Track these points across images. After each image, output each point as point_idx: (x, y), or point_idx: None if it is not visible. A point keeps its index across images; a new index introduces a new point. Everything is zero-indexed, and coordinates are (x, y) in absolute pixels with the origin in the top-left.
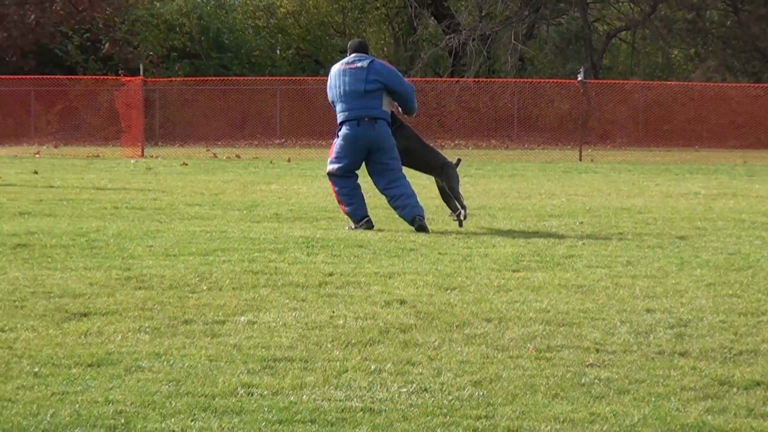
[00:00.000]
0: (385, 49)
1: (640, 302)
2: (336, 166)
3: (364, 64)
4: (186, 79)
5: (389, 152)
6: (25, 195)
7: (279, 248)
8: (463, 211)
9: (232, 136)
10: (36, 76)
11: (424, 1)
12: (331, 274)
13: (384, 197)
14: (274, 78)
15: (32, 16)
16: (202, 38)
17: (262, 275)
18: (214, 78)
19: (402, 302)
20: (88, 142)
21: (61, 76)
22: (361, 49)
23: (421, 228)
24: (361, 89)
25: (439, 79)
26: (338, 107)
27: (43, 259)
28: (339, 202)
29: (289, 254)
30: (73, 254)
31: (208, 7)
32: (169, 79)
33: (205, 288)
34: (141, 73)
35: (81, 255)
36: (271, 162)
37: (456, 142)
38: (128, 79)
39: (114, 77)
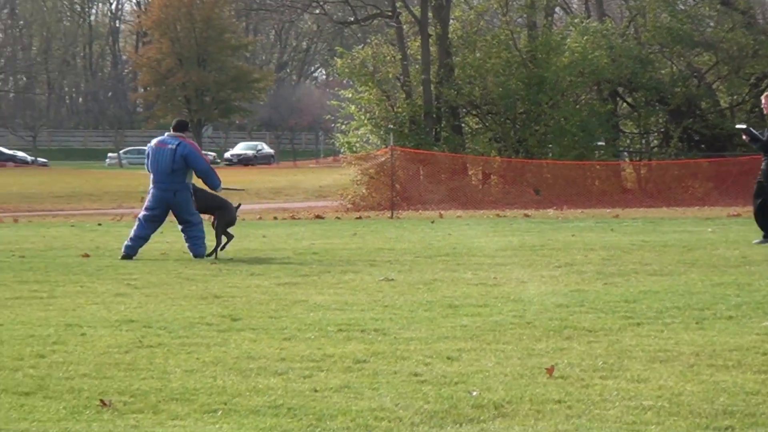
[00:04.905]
0: None
1: None
2: (147, 213)
3: (173, 145)
4: None
5: (188, 210)
6: None
7: None
8: (219, 246)
9: None
10: None
11: None
12: None
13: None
14: None
15: None
16: None
17: None
18: None
19: None
20: None
21: None
22: (179, 128)
23: (199, 256)
24: (168, 168)
25: None
26: (152, 177)
27: None
28: (131, 237)
29: None
30: None
31: None
32: None
33: None
34: None
35: None
36: None
37: None
38: None
39: None
